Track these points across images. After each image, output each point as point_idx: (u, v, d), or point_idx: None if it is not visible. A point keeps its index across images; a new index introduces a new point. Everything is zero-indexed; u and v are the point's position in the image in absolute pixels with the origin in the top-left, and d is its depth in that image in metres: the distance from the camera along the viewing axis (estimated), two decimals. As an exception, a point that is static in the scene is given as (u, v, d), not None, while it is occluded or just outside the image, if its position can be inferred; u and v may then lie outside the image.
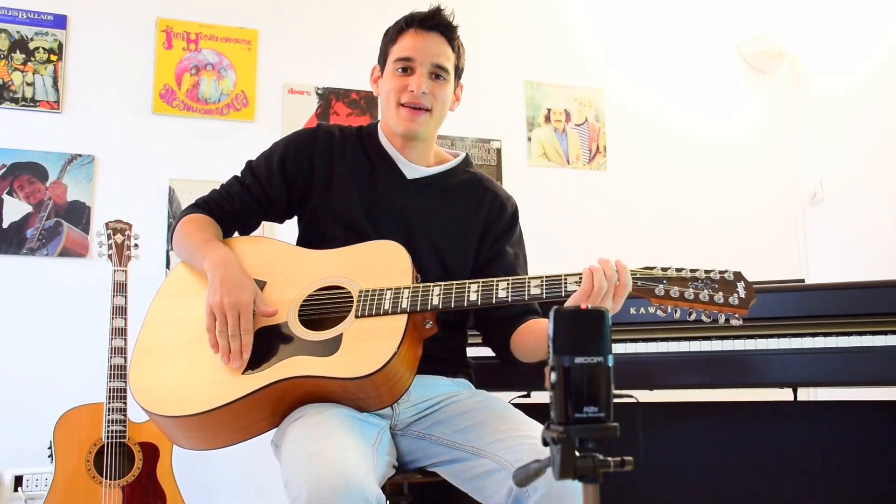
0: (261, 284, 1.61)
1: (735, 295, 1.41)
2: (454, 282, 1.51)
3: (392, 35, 1.72)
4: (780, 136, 4.02)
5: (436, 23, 1.68)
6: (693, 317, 1.44)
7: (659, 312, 1.45)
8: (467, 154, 1.84)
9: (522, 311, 1.68)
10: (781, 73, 4.07)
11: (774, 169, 3.97)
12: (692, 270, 1.43)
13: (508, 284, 1.48)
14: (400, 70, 1.67)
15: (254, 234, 1.83)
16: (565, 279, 1.45)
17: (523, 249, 1.81)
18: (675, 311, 1.44)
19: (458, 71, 1.74)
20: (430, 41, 1.67)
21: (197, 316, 1.59)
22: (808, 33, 3.93)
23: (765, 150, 3.99)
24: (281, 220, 1.82)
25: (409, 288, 1.50)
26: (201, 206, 1.76)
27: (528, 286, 1.47)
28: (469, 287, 1.49)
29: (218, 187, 1.79)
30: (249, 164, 1.78)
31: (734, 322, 1.42)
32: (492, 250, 1.75)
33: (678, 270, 1.43)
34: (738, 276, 1.43)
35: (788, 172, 3.97)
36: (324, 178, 1.72)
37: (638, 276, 1.44)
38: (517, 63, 3.75)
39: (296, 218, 1.81)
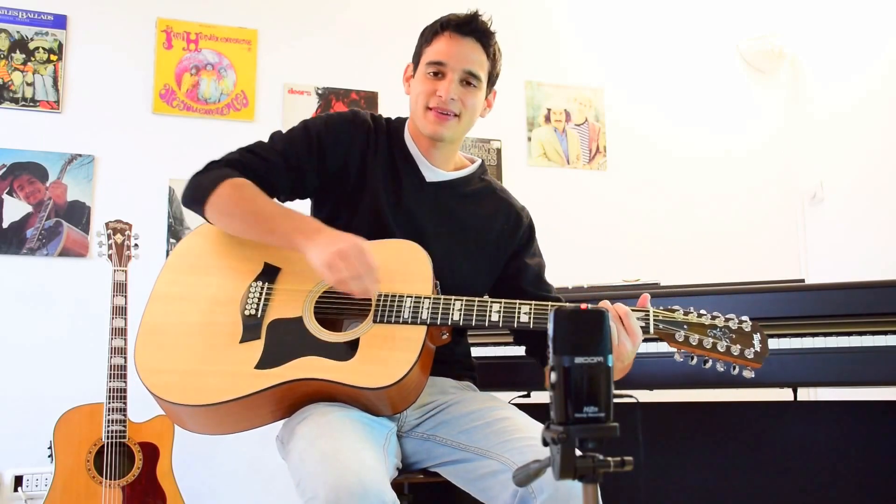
0: (275, 271, 1.59)
1: (751, 349, 1.43)
2: (476, 298, 1.51)
3: (427, 36, 1.69)
4: (780, 135, 4.02)
5: (472, 28, 1.65)
6: (709, 366, 1.45)
7: (677, 357, 1.47)
8: (482, 161, 1.83)
9: None
10: (782, 73, 4.07)
11: (774, 169, 3.97)
12: (712, 317, 1.46)
13: (531, 309, 1.49)
14: (431, 73, 1.65)
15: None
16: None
17: (543, 259, 1.82)
18: (693, 358, 1.46)
19: (493, 78, 1.72)
20: (464, 47, 1.64)
21: (207, 296, 1.57)
22: (809, 33, 3.93)
23: (765, 149, 3.99)
24: (303, 197, 1.75)
25: (429, 298, 1.50)
26: (237, 167, 1.64)
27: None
28: (491, 307, 1.49)
29: (242, 149, 1.68)
30: (282, 133, 1.70)
31: (746, 374, 1.44)
32: (513, 265, 1.75)
33: (699, 315, 1.46)
34: (756, 326, 1.45)
35: (788, 172, 3.97)
36: (356, 173, 1.68)
37: (660, 318, 1.46)
38: (517, 63, 3.74)
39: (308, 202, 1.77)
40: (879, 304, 2.04)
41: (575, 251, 3.41)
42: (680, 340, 1.44)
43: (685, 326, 1.45)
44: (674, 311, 1.47)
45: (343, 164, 1.68)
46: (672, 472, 2.43)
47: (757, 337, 1.44)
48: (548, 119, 3.76)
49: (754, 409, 2.46)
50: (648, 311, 1.46)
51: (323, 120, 1.71)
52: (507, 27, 3.80)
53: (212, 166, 1.66)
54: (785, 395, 2.46)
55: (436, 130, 1.65)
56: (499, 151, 3.65)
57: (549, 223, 3.56)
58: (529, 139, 3.72)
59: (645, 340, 2.12)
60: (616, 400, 0.88)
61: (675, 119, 3.92)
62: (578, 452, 0.86)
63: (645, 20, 3.97)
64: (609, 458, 0.86)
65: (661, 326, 1.45)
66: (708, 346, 1.43)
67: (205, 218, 1.64)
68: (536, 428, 1.49)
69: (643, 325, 1.45)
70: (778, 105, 4.05)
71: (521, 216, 1.79)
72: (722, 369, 1.45)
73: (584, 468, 0.85)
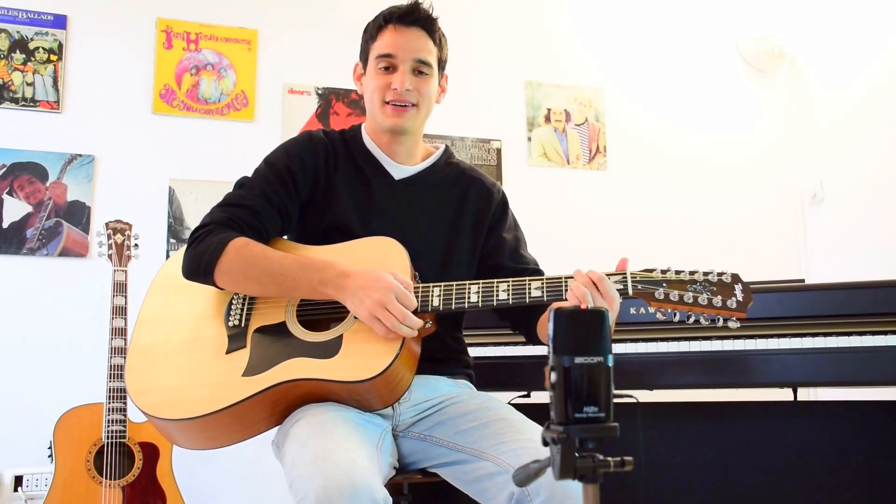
0: None
1: (733, 298, 1.43)
2: (454, 282, 1.52)
3: (372, 32, 1.70)
4: (780, 135, 4.02)
5: (415, 17, 1.66)
6: (692, 319, 1.45)
7: (659, 315, 1.47)
8: (447, 146, 1.83)
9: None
10: (782, 74, 4.06)
11: (774, 169, 3.97)
12: (690, 273, 1.46)
13: (509, 286, 1.49)
14: (382, 68, 1.66)
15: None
16: (565, 281, 1.47)
17: (521, 232, 1.83)
18: (675, 314, 1.46)
19: (442, 63, 1.73)
20: (410, 37, 1.66)
21: (192, 314, 1.58)
22: (809, 34, 3.92)
23: (765, 149, 3.99)
24: (288, 233, 1.74)
25: None
26: (230, 226, 1.60)
27: (529, 288, 1.48)
28: (469, 288, 1.50)
29: (223, 204, 1.65)
30: (251, 178, 1.68)
31: (731, 325, 1.45)
32: (490, 242, 1.76)
33: (677, 273, 1.46)
34: (736, 278, 1.46)
35: (788, 172, 3.97)
36: (324, 188, 1.69)
37: (638, 279, 1.46)
38: (517, 63, 3.75)
39: None
40: (879, 304, 2.05)
41: (575, 251, 3.40)
42: (660, 298, 1.43)
43: (664, 284, 1.44)
44: (651, 270, 1.47)
45: (312, 186, 1.69)
46: (672, 472, 2.43)
47: (738, 287, 1.44)
48: (548, 119, 3.76)
49: (754, 409, 2.46)
50: (626, 273, 1.46)
51: (283, 150, 1.71)
52: (508, 27, 3.84)
53: (204, 234, 1.59)
54: (785, 395, 2.46)
55: (396, 123, 1.66)
56: (499, 151, 3.65)
57: (549, 223, 3.61)
58: (529, 139, 3.72)
59: (644, 341, 2.14)
60: (616, 400, 0.88)
61: (675, 119, 3.92)
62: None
63: (645, 20, 3.97)
64: (609, 458, 0.86)
65: (639, 287, 1.45)
66: (689, 301, 1.43)
67: (215, 286, 1.58)
68: (533, 429, 1.49)
69: (621, 287, 1.45)
70: (778, 105, 4.05)
71: (492, 191, 1.79)
72: (706, 322, 1.45)
73: (584, 468, 0.85)
